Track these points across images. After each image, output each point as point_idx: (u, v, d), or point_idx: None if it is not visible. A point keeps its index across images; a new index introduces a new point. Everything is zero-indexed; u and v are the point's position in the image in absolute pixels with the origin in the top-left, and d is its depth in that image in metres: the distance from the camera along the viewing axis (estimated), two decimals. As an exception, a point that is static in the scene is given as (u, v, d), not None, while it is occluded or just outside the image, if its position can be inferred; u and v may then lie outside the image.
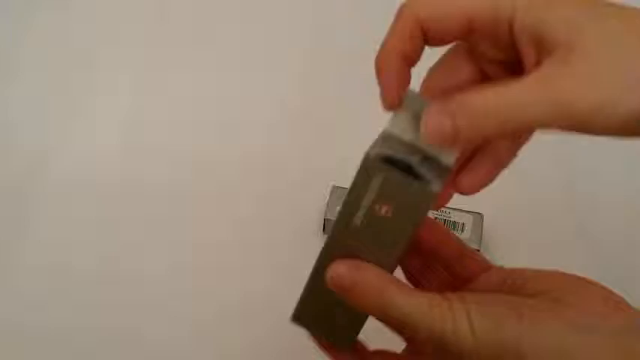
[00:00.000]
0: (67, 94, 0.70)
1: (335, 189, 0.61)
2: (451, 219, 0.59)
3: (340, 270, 0.37)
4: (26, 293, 0.58)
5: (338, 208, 0.60)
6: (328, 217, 0.60)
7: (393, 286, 0.35)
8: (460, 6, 0.35)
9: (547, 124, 0.32)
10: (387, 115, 0.36)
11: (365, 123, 0.69)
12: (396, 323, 0.35)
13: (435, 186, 0.34)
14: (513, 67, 0.36)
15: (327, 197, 0.60)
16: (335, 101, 0.70)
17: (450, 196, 0.40)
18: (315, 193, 0.61)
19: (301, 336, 0.56)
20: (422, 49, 0.36)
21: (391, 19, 0.36)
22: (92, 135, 0.67)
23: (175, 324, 0.56)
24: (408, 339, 0.40)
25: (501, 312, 0.34)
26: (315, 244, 0.58)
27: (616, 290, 0.56)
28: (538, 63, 0.33)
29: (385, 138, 0.35)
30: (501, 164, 0.39)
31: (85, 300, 0.57)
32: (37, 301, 0.57)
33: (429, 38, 0.36)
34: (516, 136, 0.39)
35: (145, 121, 0.69)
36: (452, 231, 0.58)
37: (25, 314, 0.56)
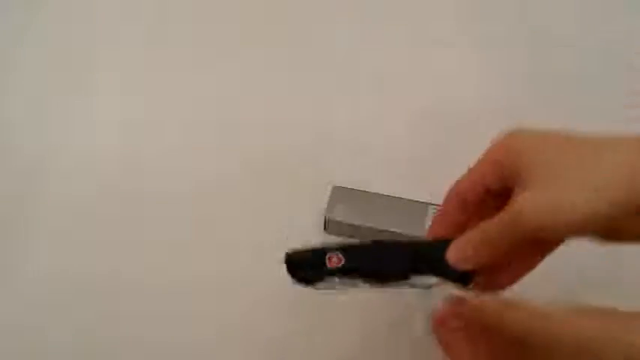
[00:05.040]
0: (67, 93, 0.70)
1: (335, 189, 0.61)
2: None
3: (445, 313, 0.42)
4: (26, 297, 0.57)
5: (339, 207, 0.60)
6: (328, 217, 0.60)
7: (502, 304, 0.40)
8: None
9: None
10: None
11: (365, 123, 0.70)
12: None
13: None
14: None
15: (327, 197, 0.60)
16: (335, 101, 0.70)
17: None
18: (315, 193, 0.61)
19: (306, 337, 0.56)
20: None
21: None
22: (92, 135, 0.67)
23: (175, 326, 0.56)
24: None
25: None
26: (315, 244, 0.58)
27: (615, 290, 0.56)
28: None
29: None
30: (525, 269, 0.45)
31: (84, 300, 0.57)
32: (36, 304, 0.57)
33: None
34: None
35: (145, 121, 0.69)
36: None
37: (26, 320, 0.56)
